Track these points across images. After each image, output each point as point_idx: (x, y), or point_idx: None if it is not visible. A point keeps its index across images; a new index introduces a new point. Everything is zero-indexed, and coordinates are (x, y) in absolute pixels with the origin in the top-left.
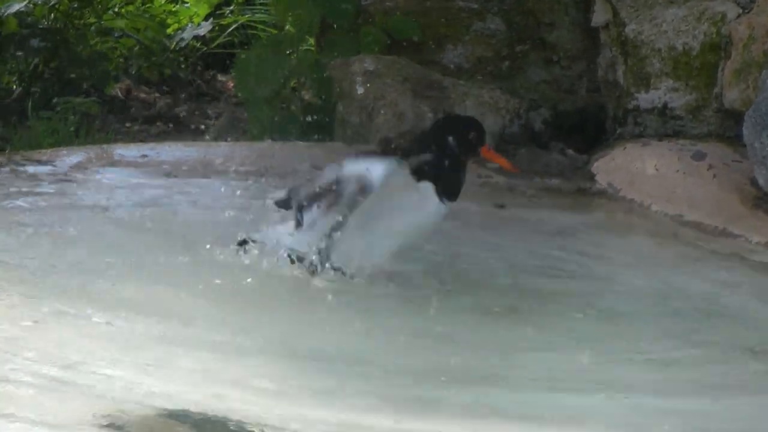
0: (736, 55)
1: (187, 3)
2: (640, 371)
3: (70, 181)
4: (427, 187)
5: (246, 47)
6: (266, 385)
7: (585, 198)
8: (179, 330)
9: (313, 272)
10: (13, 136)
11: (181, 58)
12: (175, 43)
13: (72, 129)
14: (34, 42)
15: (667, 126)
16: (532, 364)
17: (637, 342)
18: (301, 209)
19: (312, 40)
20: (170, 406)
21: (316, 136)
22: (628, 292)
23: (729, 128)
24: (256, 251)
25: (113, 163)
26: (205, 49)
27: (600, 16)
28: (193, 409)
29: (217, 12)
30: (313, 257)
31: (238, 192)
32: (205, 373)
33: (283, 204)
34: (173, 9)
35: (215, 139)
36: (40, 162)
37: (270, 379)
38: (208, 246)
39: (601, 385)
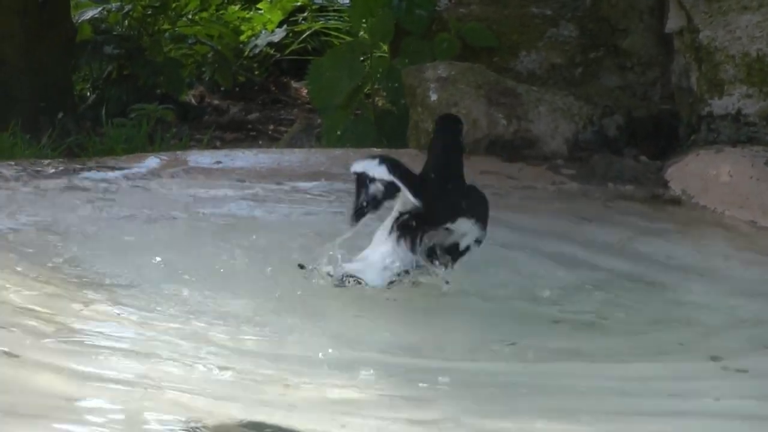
0: None
1: (261, 10)
2: (717, 380)
3: (143, 187)
4: None
5: (320, 54)
6: (341, 398)
7: (658, 204)
8: (254, 339)
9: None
10: (88, 142)
11: (255, 65)
12: (248, 50)
13: (146, 135)
14: (108, 49)
15: (740, 132)
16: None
17: (714, 350)
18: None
19: (386, 47)
20: (244, 416)
21: (389, 143)
22: (705, 300)
23: None
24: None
25: (187, 170)
26: (279, 55)
27: (674, 22)
28: (267, 420)
29: (291, 19)
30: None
31: (314, 200)
32: (279, 384)
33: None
34: (247, 16)
35: (289, 145)
36: (114, 168)
37: (344, 391)
38: (284, 255)
39: (674, 395)
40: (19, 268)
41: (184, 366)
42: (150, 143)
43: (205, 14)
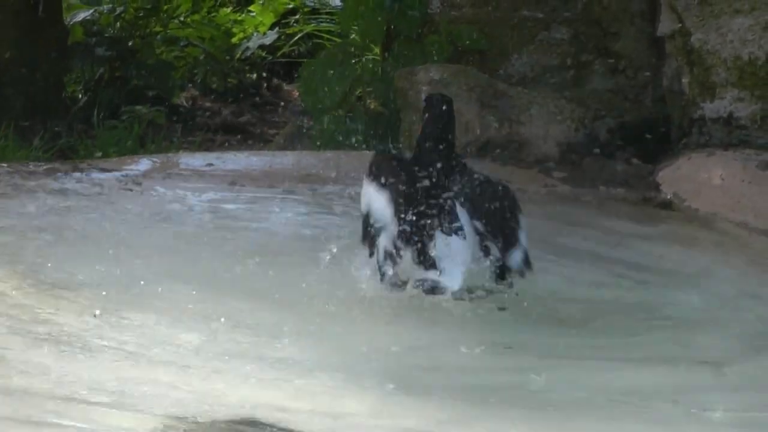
0: None
1: (253, 12)
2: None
3: (135, 189)
4: None
5: (311, 56)
6: (329, 398)
7: (650, 208)
8: (246, 340)
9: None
10: (79, 144)
11: (247, 67)
12: (240, 52)
13: (137, 138)
14: (100, 51)
15: (732, 135)
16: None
17: (705, 352)
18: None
19: (377, 49)
20: (236, 415)
21: (381, 145)
22: (696, 302)
23: None
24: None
25: (178, 172)
26: (271, 58)
27: (666, 25)
28: (260, 419)
29: (283, 21)
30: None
31: (305, 201)
32: (270, 384)
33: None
34: (239, 18)
35: (281, 147)
36: (105, 170)
37: (333, 391)
38: (275, 256)
39: (665, 393)
40: (12, 269)
41: (178, 366)
42: (141, 145)
43: (196, 16)
